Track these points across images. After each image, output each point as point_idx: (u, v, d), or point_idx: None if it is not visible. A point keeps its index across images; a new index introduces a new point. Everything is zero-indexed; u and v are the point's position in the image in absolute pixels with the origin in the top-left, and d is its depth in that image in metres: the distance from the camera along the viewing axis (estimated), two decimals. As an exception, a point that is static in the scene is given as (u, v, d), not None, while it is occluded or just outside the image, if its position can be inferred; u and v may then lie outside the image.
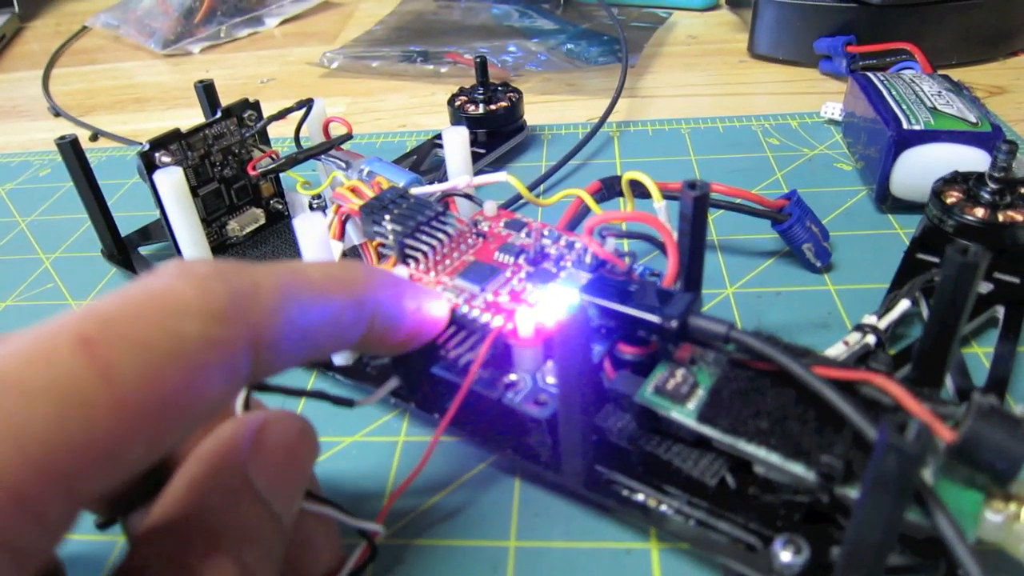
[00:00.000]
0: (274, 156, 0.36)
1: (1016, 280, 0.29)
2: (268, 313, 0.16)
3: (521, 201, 0.40)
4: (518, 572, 0.23)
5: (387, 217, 0.27)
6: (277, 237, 0.39)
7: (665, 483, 0.22)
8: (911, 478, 0.15)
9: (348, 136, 0.36)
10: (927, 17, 0.51)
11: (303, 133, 0.37)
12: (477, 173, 0.34)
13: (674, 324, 0.21)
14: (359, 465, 0.27)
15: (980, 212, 0.30)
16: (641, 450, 0.23)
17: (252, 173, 0.36)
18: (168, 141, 0.33)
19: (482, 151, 0.44)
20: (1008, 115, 0.46)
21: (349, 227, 0.30)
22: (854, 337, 0.26)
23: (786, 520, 0.21)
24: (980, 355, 0.28)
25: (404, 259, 0.27)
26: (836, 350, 0.26)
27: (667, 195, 0.30)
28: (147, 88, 0.67)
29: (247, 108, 0.36)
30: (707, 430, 0.21)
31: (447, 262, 0.27)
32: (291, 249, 0.38)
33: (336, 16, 0.81)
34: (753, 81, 0.56)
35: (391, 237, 0.27)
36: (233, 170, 0.37)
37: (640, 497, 0.22)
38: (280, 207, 0.39)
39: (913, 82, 0.40)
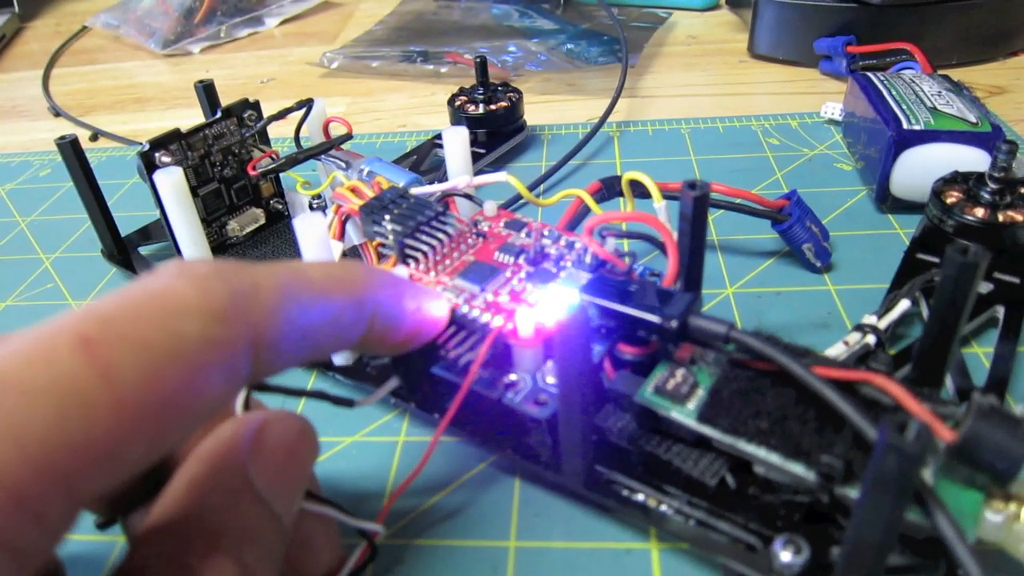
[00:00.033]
0: (274, 156, 0.36)
1: (1016, 280, 0.29)
2: (268, 313, 0.16)
3: (521, 201, 0.40)
4: (518, 572, 0.23)
5: (387, 217, 0.27)
6: (277, 237, 0.39)
7: (665, 483, 0.22)
8: (911, 478, 0.15)
9: (348, 136, 0.36)
10: (927, 17, 0.51)
11: (303, 133, 0.37)
12: (477, 173, 0.34)
13: (674, 324, 0.21)
14: (359, 465, 0.27)
15: (980, 212, 0.30)
16: (641, 450, 0.23)
17: (252, 173, 0.36)
18: (168, 141, 0.33)
19: (482, 151, 0.44)
20: (1008, 115, 0.46)
21: (349, 227, 0.30)
22: (854, 337, 0.26)
23: (786, 520, 0.21)
24: (980, 355, 0.28)
25: (404, 259, 0.27)
26: (836, 350, 0.26)
27: (667, 195, 0.30)
28: (147, 88, 0.67)
29: (247, 108, 0.36)
30: (707, 430, 0.21)
31: (447, 262, 0.27)
32: (291, 249, 0.38)
33: (336, 16, 0.81)
34: (753, 81, 0.56)
35: (391, 237, 0.27)
36: (233, 170, 0.37)
37: (640, 497, 0.22)
38: (280, 207, 0.39)
39: (913, 82, 0.40)
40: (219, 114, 0.35)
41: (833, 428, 0.19)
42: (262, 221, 0.39)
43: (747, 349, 0.21)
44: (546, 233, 0.28)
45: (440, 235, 0.27)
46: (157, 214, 0.33)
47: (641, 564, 0.23)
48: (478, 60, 0.46)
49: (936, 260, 0.31)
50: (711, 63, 0.60)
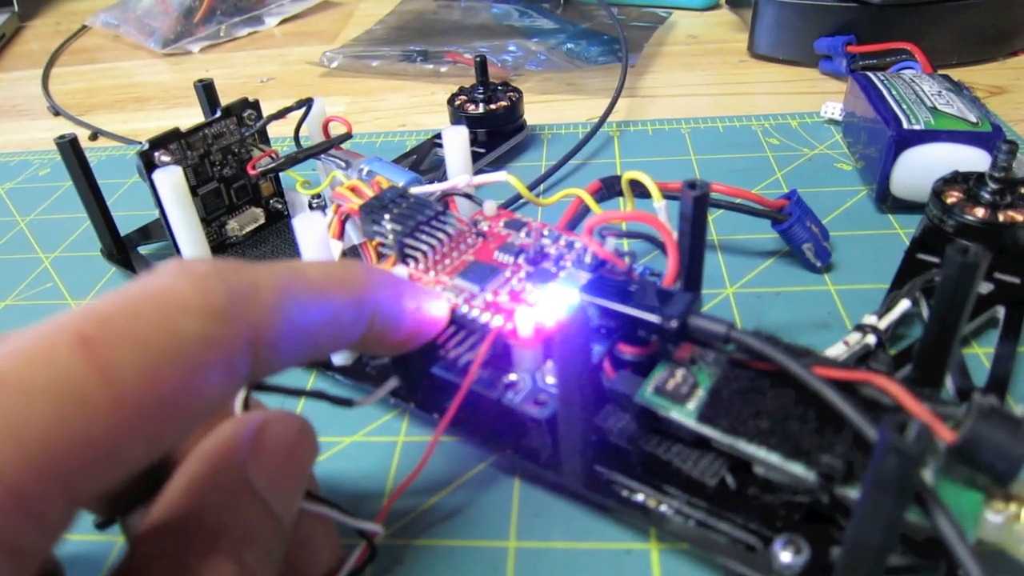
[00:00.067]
0: (274, 155, 0.36)
1: (1016, 280, 0.29)
2: (267, 312, 0.16)
3: (521, 201, 0.40)
4: (518, 572, 0.23)
5: (387, 216, 0.27)
6: (277, 237, 0.39)
7: (665, 483, 0.22)
8: (911, 479, 0.15)
9: (348, 135, 0.36)
10: (927, 17, 0.51)
11: (303, 132, 0.37)
12: (477, 173, 0.34)
13: (674, 324, 0.21)
14: (358, 465, 0.27)
15: (980, 212, 0.30)
16: (641, 450, 0.23)
17: (252, 172, 0.36)
18: (167, 140, 0.33)
19: (482, 151, 0.44)
20: (1008, 115, 0.46)
21: (349, 227, 0.30)
22: (854, 337, 0.26)
23: (786, 520, 0.21)
24: (980, 355, 0.28)
25: (404, 259, 0.27)
26: (836, 350, 0.26)
27: (667, 195, 0.30)
28: (147, 87, 0.67)
29: (247, 107, 0.36)
30: (707, 430, 0.21)
31: (447, 262, 0.27)
32: (291, 249, 0.38)
33: (336, 15, 0.81)
34: (753, 81, 0.56)
35: (391, 236, 0.27)
36: (233, 169, 0.37)
37: (640, 497, 0.22)
38: (280, 206, 0.39)
39: (913, 82, 0.40)
40: (219, 113, 0.35)
41: (833, 428, 0.19)
42: (262, 220, 0.39)
43: (747, 349, 0.21)
44: (546, 233, 0.28)
45: (440, 235, 0.27)
46: (157, 213, 0.33)
47: (641, 564, 0.23)
48: (478, 59, 0.46)
49: (936, 260, 0.31)
50: (711, 63, 0.60)
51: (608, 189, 0.38)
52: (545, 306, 0.24)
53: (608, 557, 0.23)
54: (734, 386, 0.21)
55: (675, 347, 0.23)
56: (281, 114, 0.35)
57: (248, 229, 0.38)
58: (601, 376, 0.24)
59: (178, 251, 0.34)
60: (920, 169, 0.35)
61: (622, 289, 0.23)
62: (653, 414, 0.22)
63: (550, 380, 0.25)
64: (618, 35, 0.56)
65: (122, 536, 0.21)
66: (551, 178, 0.44)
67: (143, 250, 0.39)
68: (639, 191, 0.31)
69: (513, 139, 0.46)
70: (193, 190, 0.35)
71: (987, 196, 0.30)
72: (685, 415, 0.21)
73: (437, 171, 0.42)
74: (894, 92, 0.39)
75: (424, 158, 0.45)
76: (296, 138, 0.37)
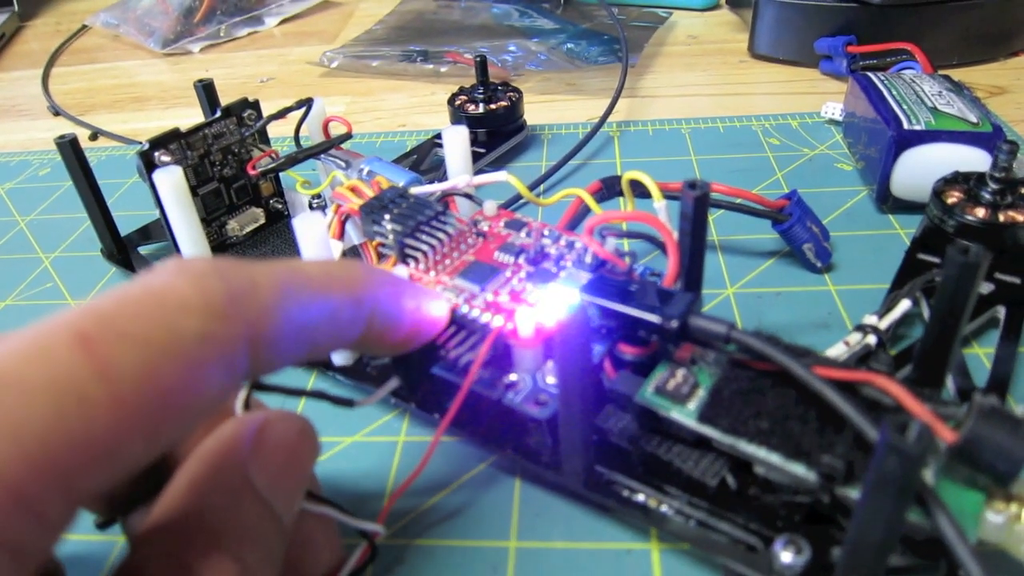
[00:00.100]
0: (274, 155, 0.36)
1: (1017, 280, 0.29)
2: (266, 310, 0.16)
3: (521, 201, 0.40)
4: (518, 572, 0.23)
5: (387, 217, 0.27)
6: (277, 237, 0.39)
7: (665, 483, 0.22)
8: (912, 479, 0.15)
9: (348, 135, 0.36)
10: (927, 17, 0.51)
11: (303, 132, 0.37)
12: (477, 173, 0.34)
13: (674, 324, 0.21)
14: (359, 465, 0.27)
15: (981, 212, 0.30)
16: (641, 450, 0.23)
17: (252, 172, 0.36)
18: (168, 140, 0.33)
19: (482, 151, 0.44)
20: (1009, 115, 0.46)
21: (349, 227, 0.30)
22: (855, 337, 0.26)
23: (787, 521, 0.21)
24: (981, 356, 0.28)
25: (404, 259, 0.27)
26: (837, 350, 0.26)
27: (667, 195, 0.30)
28: (147, 87, 0.67)
29: (247, 107, 0.36)
30: (707, 430, 0.21)
31: (447, 262, 0.27)
32: (291, 249, 0.38)
33: (336, 15, 0.81)
34: (753, 81, 0.56)
35: (391, 237, 0.27)
36: (233, 169, 0.37)
37: (640, 497, 0.22)
38: (280, 206, 0.39)
39: (914, 82, 0.40)
40: (219, 113, 0.35)
41: (834, 429, 0.19)
42: (262, 221, 0.39)
43: (748, 349, 0.21)
44: (546, 233, 0.28)
45: (440, 235, 0.27)
46: (157, 214, 0.33)
47: (641, 564, 0.23)
48: (478, 59, 0.46)
49: (937, 260, 0.31)
50: (711, 63, 0.60)
51: (608, 189, 0.38)
52: (545, 306, 0.24)
53: (609, 557, 0.23)
54: (735, 386, 0.21)
55: (676, 347, 0.23)
56: (281, 114, 0.35)
57: (248, 229, 0.38)
58: (602, 376, 0.24)
59: (178, 251, 0.34)
60: (920, 169, 0.35)
61: (622, 289, 0.23)
62: (654, 414, 0.22)
63: (550, 380, 0.25)
64: (618, 35, 0.56)
65: (123, 536, 0.21)
66: (551, 178, 0.44)
67: (143, 250, 0.39)
68: (639, 191, 0.31)
69: (513, 139, 0.46)
70: (193, 190, 0.35)
71: (988, 196, 0.30)
72: (686, 415, 0.21)
73: (437, 171, 0.42)
74: (894, 92, 0.39)
75: (424, 158, 0.45)
76: (296, 138, 0.37)
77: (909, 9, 0.50)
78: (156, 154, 0.33)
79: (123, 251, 0.39)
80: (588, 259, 0.25)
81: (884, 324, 0.26)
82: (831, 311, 0.31)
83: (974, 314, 0.28)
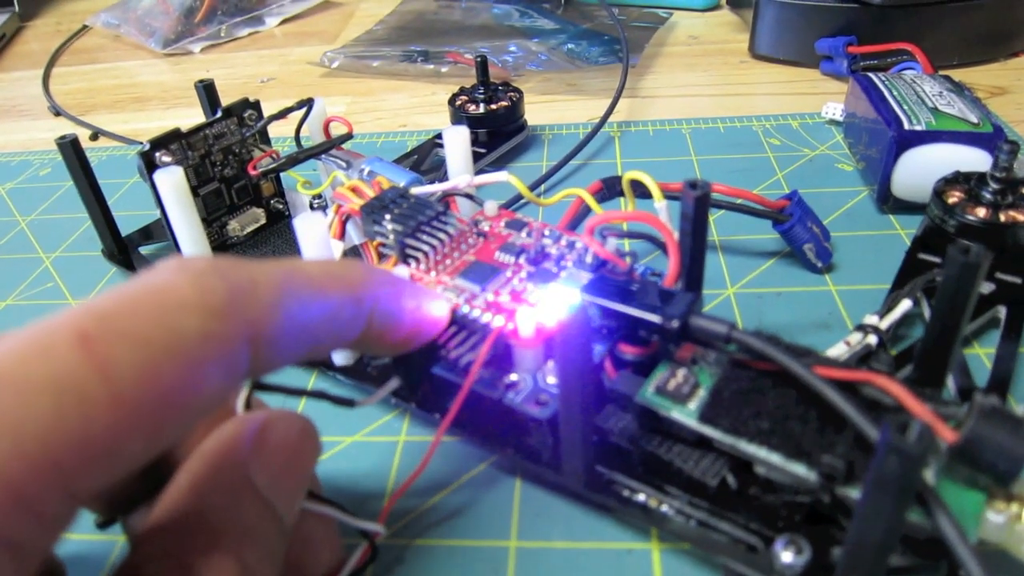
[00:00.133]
0: (274, 156, 0.36)
1: (1018, 280, 0.29)
2: (266, 309, 0.16)
3: (522, 201, 0.40)
4: (519, 572, 0.23)
5: (388, 217, 0.27)
6: (278, 237, 0.39)
7: (666, 483, 0.22)
8: (913, 479, 0.15)
9: (348, 136, 0.36)
10: (928, 17, 0.51)
11: (303, 133, 0.37)
12: (478, 173, 0.34)
13: (675, 324, 0.21)
14: (360, 465, 0.27)
15: (982, 212, 0.30)
16: (642, 450, 0.23)
17: (252, 173, 0.36)
18: (168, 141, 0.33)
19: (483, 151, 0.44)
20: (1009, 116, 0.46)
21: (350, 227, 0.30)
22: (855, 337, 0.26)
23: (787, 520, 0.21)
24: (982, 356, 0.28)
25: (405, 259, 0.27)
26: (837, 350, 0.26)
27: (668, 195, 0.30)
28: (147, 87, 0.67)
29: (247, 108, 0.36)
30: (708, 430, 0.21)
31: (448, 262, 0.27)
32: (292, 249, 0.38)
33: (336, 16, 0.81)
34: (754, 81, 0.56)
35: (392, 237, 0.27)
36: (233, 170, 0.37)
37: (641, 497, 0.22)
38: (281, 207, 0.39)
39: (914, 82, 0.40)
40: (219, 114, 0.35)
41: (834, 428, 0.19)
42: (263, 221, 0.39)
43: (748, 349, 0.21)
44: (547, 233, 0.28)
45: (441, 235, 0.27)
46: (158, 213, 0.33)
47: (642, 564, 0.23)
48: (479, 60, 0.46)
49: (938, 260, 0.31)
50: (712, 63, 0.60)
51: (609, 189, 0.38)
52: (546, 306, 0.24)
53: (609, 557, 0.23)
54: (735, 386, 0.21)
55: (676, 347, 0.23)
56: (282, 114, 0.35)
57: (249, 229, 0.38)
58: (602, 376, 0.24)
59: (179, 251, 0.34)
60: (921, 170, 0.35)
61: (623, 289, 0.23)
62: (654, 414, 0.22)
63: (551, 380, 0.25)
64: (619, 35, 0.56)
65: (123, 536, 0.21)
66: (552, 178, 0.44)
67: (144, 250, 0.39)
68: (640, 191, 0.31)
69: (514, 139, 0.46)
70: (194, 190, 0.35)
71: (988, 196, 0.30)
72: (686, 415, 0.21)
73: (438, 171, 0.42)
74: (895, 93, 0.39)
75: (425, 158, 0.45)
76: (297, 138, 0.37)
77: (910, 9, 0.50)
78: (157, 154, 0.33)
79: (124, 251, 0.39)
80: (589, 259, 0.25)
81: (885, 324, 0.26)
82: (832, 311, 0.31)
83: (975, 314, 0.28)
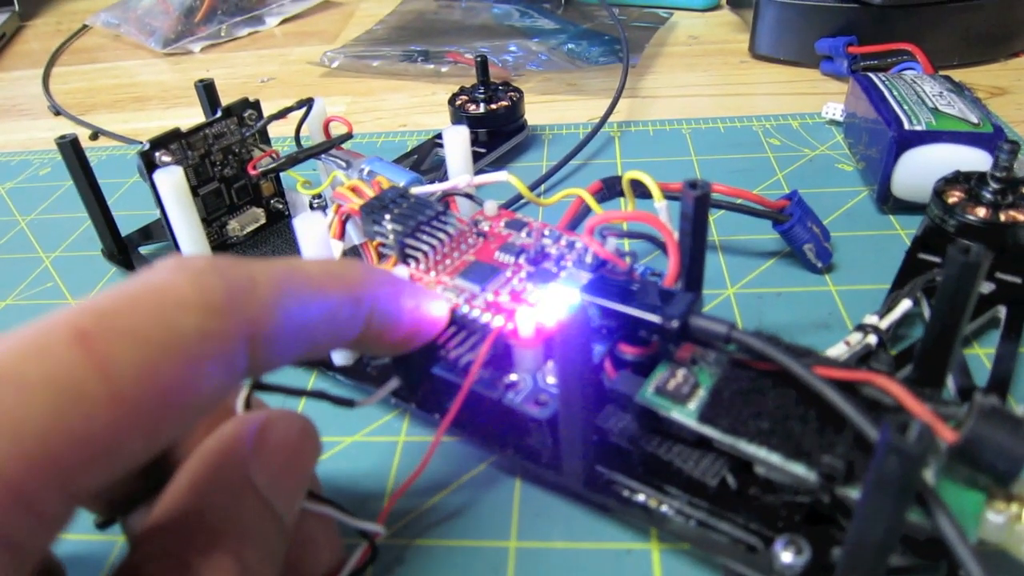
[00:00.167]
0: (274, 155, 0.36)
1: (1018, 280, 0.29)
2: (265, 307, 0.16)
3: (522, 201, 0.39)
4: (519, 572, 0.23)
5: (387, 217, 0.27)
6: (277, 237, 0.39)
7: (666, 483, 0.22)
8: (913, 479, 0.15)
9: (348, 135, 0.36)
10: (928, 18, 0.51)
11: (303, 132, 0.37)
12: (478, 172, 0.34)
13: (675, 324, 0.21)
14: (359, 465, 0.27)
15: (982, 212, 0.30)
16: (642, 450, 0.23)
17: (252, 172, 0.36)
18: (168, 140, 0.33)
19: (483, 151, 0.44)
20: (1009, 116, 0.46)
21: (349, 227, 0.30)
22: (855, 337, 0.26)
23: (787, 521, 0.21)
24: (982, 356, 0.28)
25: (404, 259, 0.27)
26: (837, 350, 0.26)
27: (668, 195, 0.30)
28: (147, 87, 0.67)
29: (247, 107, 0.36)
30: (708, 430, 0.21)
31: (447, 262, 0.27)
32: (292, 249, 0.38)
33: (337, 15, 0.81)
34: (754, 81, 0.56)
35: (391, 237, 0.27)
36: (233, 169, 0.37)
37: (641, 497, 0.22)
38: (280, 207, 0.39)
39: (914, 83, 0.40)
40: (219, 113, 0.35)
41: (834, 428, 0.19)
42: (262, 221, 0.39)
43: (748, 349, 0.21)
44: (547, 233, 0.28)
45: (440, 235, 0.27)
46: (157, 213, 0.33)
47: (642, 564, 0.23)
48: (479, 59, 0.46)
49: (938, 260, 0.31)
50: (712, 63, 0.60)
51: (609, 189, 0.38)
52: (546, 306, 0.24)
53: (609, 557, 0.23)
54: (735, 386, 0.21)
55: (676, 347, 0.23)
56: (282, 114, 0.35)
57: (249, 229, 0.38)
58: (602, 376, 0.24)
59: (179, 251, 0.34)
60: (921, 170, 0.35)
61: (623, 289, 0.23)
62: (654, 414, 0.22)
63: (551, 380, 0.25)
64: (619, 35, 0.56)
65: (123, 536, 0.21)
66: (552, 178, 0.44)
67: (144, 250, 0.39)
68: (640, 191, 0.31)
69: (514, 139, 0.46)
70: (194, 190, 0.35)
71: (988, 196, 0.30)
72: (686, 415, 0.21)
73: (438, 171, 0.42)
74: (895, 93, 0.39)
75: (425, 158, 0.45)
76: (297, 138, 0.37)
77: (910, 10, 0.50)
78: (157, 154, 0.33)
79: (124, 251, 0.39)
80: (589, 259, 0.25)
81: (885, 324, 0.26)
82: (832, 311, 0.31)
83: (975, 314, 0.28)
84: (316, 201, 0.37)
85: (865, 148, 0.39)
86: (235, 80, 0.66)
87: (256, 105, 0.37)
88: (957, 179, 0.32)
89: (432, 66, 0.61)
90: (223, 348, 0.15)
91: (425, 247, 0.26)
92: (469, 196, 0.30)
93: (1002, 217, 0.30)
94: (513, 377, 0.25)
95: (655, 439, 0.23)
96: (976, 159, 0.34)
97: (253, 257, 0.37)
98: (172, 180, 0.31)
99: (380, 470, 0.26)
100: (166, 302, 0.15)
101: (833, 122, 0.46)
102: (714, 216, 0.38)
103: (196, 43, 0.74)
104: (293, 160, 0.35)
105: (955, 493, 0.18)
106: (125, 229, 0.39)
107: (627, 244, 0.34)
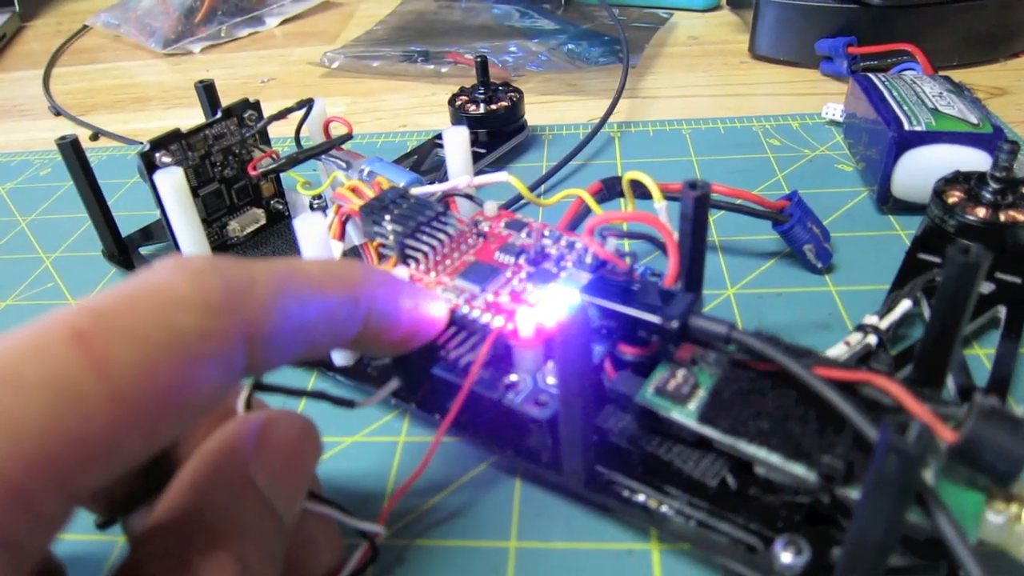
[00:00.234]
0: (274, 156, 0.36)
1: (1018, 280, 0.29)
2: (263, 307, 0.16)
3: (522, 201, 0.40)
4: (519, 572, 0.23)
5: (387, 217, 0.27)
6: (278, 237, 0.39)
7: (666, 484, 0.22)
8: (912, 479, 0.15)
9: (348, 136, 0.36)
10: (928, 18, 0.51)
11: (303, 133, 0.37)
12: (478, 173, 0.34)
13: (675, 324, 0.21)
14: (360, 465, 0.27)
15: (982, 212, 0.30)
16: (642, 451, 0.23)
17: (252, 173, 0.36)
18: (168, 141, 0.33)
19: (483, 151, 0.44)
20: (1009, 116, 0.46)
21: (349, 227, 0.30)
22: (855, 337, 0.26)
23: (787, 521, 0.21)
24: (981, 356, 0.28)
25: (404, 259, 0.27)
26: (837, 350, 0.26)
27: (668, 195, 0.30)
28: (147, 87, 0.67)
29: (247, 108, 0.36)
30: (708, 431, 0.21)
31: (447, 262, 0.27)
32: (292, 249, 0.38)
33: (337, 16, 0.81)
34: (754, 82, 0.56)
35: (391, 237, 0.27)
36: (233, 170, 0.37)
37: (641, 498, 0.22)
38: (281, 207, 0.39)
39: (914, 83, 0.40)
40: (219, 114, 0.35)
41: (834, 429, 0.19)
42: (263, 221, 0.39)
43: (748, 350, 0.21)
44: (547, 233, 0.28)
45: (440, 235, 0.27)
46: (158, 214, 0.33)
47: (642, 565, 0.23)
48: (479, 60, 0.46)
49: (937, 260, 0.31)
50: (712, 64, 0.60)
51: (609, 190, 0.38)
52: (546, 307, 0.24)
53: (609, 557, 0.23)
54: (735, 387, 0.21)
55: (676, 348, 0.23)
56: (282, 115, 0.35)
57: (249, 230, 0.38)
58: (602, 377, 0.24)
59: (179, 252, 0.34)
60: (921, 170, 0.35)
61: (623, 289, 0.23)
62: (654, 414, 0.22)
63: (551, 381, 0.25)
64: (619, 36, 0.56)
65: (123, 536, 0.21)
66: (552, 179, 0.44)
67: (144, 251, 0.39)
68: (640, 192, 0.31)
69: (514, 140, 0.46)
70: (194, 191, 0.35)
71: (988, 196, 0.30)
72: (686, 416, 0.21)
73: (438, 172, 0.42)
74: (895, 93, 0.39)
75: (425, 159, 0.45)
76: (297, 139, 0.37)
77: (910, 10, 0.50)
78: (157, 155, 0.33)
79: (124, 252, 0.39)
80: (588, 259, 0.25)
81: (885, 324, 0.26)
82: (832, 312, 0.31)
83: (975, 314, 0.28)
84: (316, 202, 0.37)
85: (865, 149, 0.39)
86: (235, 81, 0.66)
87: (256, 106, 0.37)
88: (957, 179, 0.32)
89: (432, 66, 0.61)
90: (222, 347, 0.15)
91: (425, 248, 0.26)
92: (469, 197, 0.30)
93: (1002, 217, 0.30)
94: (513, 377, 0.25)
95: (655, 439, 0.23)
96: (976, 159, 0.34)
97: (253, 258, 0.37)
98: (172, 181, 0.31)
99: (380, 470, 0.26)
100: (164, 302, 0.15)
101: (833, 122, 0.46)
102: (714, 216, 0.38)
103: (196, 43, 0.74)
104: (293, 161, 0.35)
105: (955, 493, 0.18)
106: (125, 230, 0.39)
107: (627, 244, 0.34)
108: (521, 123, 0.47)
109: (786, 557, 0.20)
